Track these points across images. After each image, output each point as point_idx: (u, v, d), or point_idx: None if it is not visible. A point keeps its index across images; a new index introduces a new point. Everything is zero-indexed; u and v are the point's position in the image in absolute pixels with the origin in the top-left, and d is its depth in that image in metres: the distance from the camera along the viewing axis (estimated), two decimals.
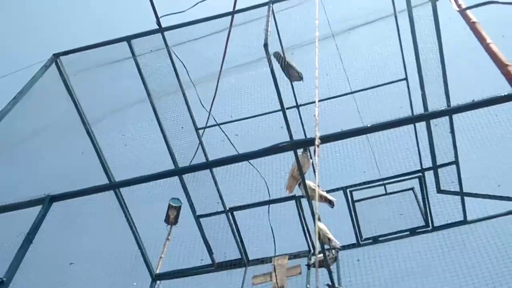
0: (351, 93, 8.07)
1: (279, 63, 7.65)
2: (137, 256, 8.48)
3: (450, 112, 6.19)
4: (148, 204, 9.25)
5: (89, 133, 7.23)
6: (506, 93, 3.77)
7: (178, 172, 6.90)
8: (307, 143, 4.07)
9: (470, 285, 7.18)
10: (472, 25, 4.18)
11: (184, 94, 7.68)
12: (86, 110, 7.06)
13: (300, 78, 7.86)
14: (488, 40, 3.89)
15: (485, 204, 8.06)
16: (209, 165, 6.71)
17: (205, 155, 8.22)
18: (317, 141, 3.64)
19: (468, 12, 4.54)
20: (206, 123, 7.93)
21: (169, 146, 7.61)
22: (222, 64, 6.98)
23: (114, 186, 7.17)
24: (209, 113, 7.66)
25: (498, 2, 4.46)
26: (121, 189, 7.65)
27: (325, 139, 3.91)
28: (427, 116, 6.38)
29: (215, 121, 7.58)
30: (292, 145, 4.68)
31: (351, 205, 8.39)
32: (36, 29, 13.36)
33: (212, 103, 7.38)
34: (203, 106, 7.37)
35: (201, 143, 8.21)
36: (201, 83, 7.21)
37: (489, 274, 7.33)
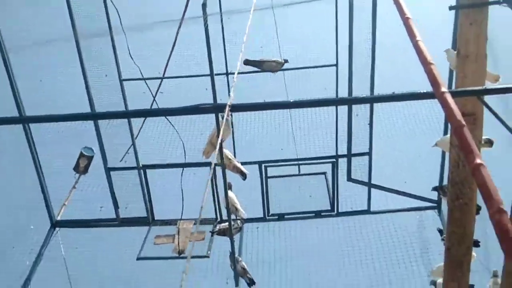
0: (282, 70, 8.10)
1: (253, 66, 8.01)
2: (40, 199, 8.19)
3: (371, 100, 6.35)
4: (59, 149, 8.96)
5: (4, 60, 6.76)
6: (424, 91, 3.89)
7: (93, 116, 6.62)
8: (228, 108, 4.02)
9: (361, 272, 7.52)
10: (405, 20, 4.24)
11: (112, 40, 7.39)
12: (6, 38, 6.60)
13: (281, 64, 8.04)
14: (418, 37, 3.95)
15: (391, 198, 8.40)
16: (127, 114, 6.50)
17: (126, 106, 7.99)
18: (228, 106, 3.60)
19: (405, 7, 4.61)
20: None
21: (88, 91, 7.29)
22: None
23: (24, 120, 6.79)
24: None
25: None
26: (32, 126, 7.28)
27: (244, 107, 3.88)
28: (349, 101, 6.50)
29: (141, 74, 7.36)
30: (212, 108, 4.64)
31: (264, 180, 8.49)
32: None
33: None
34: (131, 57, 7.13)
35: (123, 94, 7.97)
36: (132, 32, 6.96)
37: (385, 263, 7.71)
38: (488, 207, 2.33)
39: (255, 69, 8.09)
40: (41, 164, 7.78)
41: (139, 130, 8.17)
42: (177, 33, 6.07)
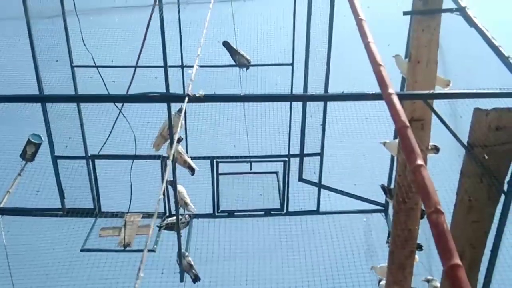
0: (236, 66, 8.06)
1: (228, 51, 8.02)
2: None
3: (322, 98, 6.39)
4: (5, 133, 8.68)
5: None
6: (373, 92, 3.91)
7: (42, 99, 6.37)
8: (178, 97, 3.95)
9: (307, 271, 7.55)
10: (358, 21, 4.26)
11: (65, 22, 7.16)
12: None
13: (248, 63, 8.09)
14: (369, 39, 3.97)
15: (340, 199, 8.47)
16: (75, 98, 6.30)
17: (76, 91, 7.77)
18: (188, 94, 3.53)
19: (359, 9, 4.63)
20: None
21: (37, 72, 7.02)
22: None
23: None
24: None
25: None
26: None
27: (197, 98, 3.81)
28: (302, 97, 6.51)
29: (94, 61, 7.16)
30: (162, 97, 4.55)
31: (215, 176, 8.43)
32: None
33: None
34: (84, 44, 6.93)
35: (74, 80, 7.76)
36: (83, 16, 6.76)
37: (329, 263, 7.76)
38: (425, 208, 2.34)
39: (210, 63, 8.07)
40: None
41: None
42: (149, 20, 5.87)
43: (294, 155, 8.62)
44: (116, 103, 6.36)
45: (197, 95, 3.83)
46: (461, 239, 4.55)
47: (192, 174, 7.69)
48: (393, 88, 3.24)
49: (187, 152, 8.19)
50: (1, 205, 8.00)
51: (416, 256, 5.94)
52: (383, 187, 7.61)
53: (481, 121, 4.22)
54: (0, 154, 8.48)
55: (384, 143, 6.83)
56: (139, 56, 7.03)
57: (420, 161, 2.53)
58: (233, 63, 8.05)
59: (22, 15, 6.39)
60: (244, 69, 8.19)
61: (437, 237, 2.18)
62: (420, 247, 6.42)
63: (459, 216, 4.58)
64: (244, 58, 8.10)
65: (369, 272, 7.39)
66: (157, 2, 5.09)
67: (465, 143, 4.34)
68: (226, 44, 8.07)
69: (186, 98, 3.62)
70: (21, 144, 7.65)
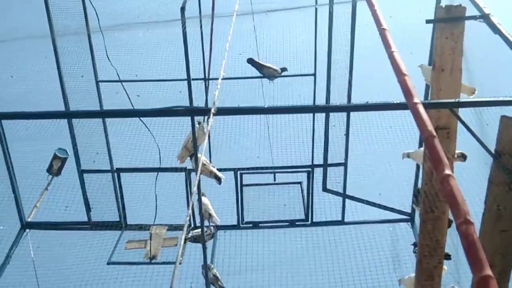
0: (260, 77, 8.10)
1: (254, 67, 8.19)
2: (10, 199, 8.01)
3: (345, 108, 6.36)
4: (33, 149, 8.81)
5: None
6: (398, 101, 3.89)
7: (68, 115, 6.49)
8: (203, 111, 3.99)
9: (333, 282, 7.49)
10: (381, 31, 4.25)
11: (89, 39, 7.28)
12: None
13: (277, 73, 8.20)
14: (393, 48, 3.96)
15: (365, 209, 8.41)
16: (102, 114, 6.40)
17: (101, 107, 7.89)
18: (213, 110, 3.56)
19: (382, 19, 4.62)
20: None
21: (63, 89, 7.14)
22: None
23: None
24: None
25: None
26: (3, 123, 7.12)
27: (221, 111, 3.84)
28: (326, 109, 6.50)
29: (118, 76, 7.27)
30: (186, 111, 4.59)
31: (239, 187, 8.44)
32: None
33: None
34: (108, 59, 7.04)
35: (99, 95, 7.87)
36: (109, 32, 6.87)
37: (357, 274, 7.69)
38: (454, 218, 2.32)
39: (234, 75, 8.12)
40: (13, 163, 7.63)
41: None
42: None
43: (318, 165, 8.58)
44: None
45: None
46: (490, 248, 4.48)
47: (219, 183, 7.71)
48: (418, 97, 3.23)
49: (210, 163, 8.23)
50: (29, 219, 8.14)
51: (445, 266, 5.87)
52: (415, 193, 7.50)
53: (509, 129, 4.17)
54: (27, 169, 8.60)
55: (408, 155, 6.76)
56: (209, 67, 7.15)
57: (448, 171, 2.50)
58: (257, 74, 8.11)
59: (48, 33, 6.53)
60: (272, 80, 8.26)
61: (467, 248, 2.15)
62: (448, 256, 6.33)
63: (487, 225, 4.52)
64: (271, 69, 8.19)
65: (396, 283, 7.31)
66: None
67: (493, 151, 4.29)
68: (250, 61, 8.18)
69: (211, 112, 3.65)
70: (48, 159, 7.79)
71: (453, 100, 4.34)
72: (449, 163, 3.39)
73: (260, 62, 8.23)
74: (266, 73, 8.18)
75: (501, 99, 4.07)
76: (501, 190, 4.37)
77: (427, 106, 3.80)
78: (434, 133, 2.80)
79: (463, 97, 5.24)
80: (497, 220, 4.46)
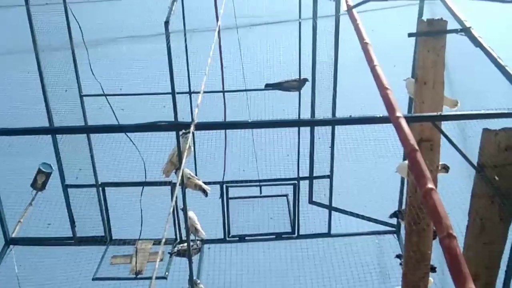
0: (245, 90, 8.13)
1: (274, 88, 8.37)
2: None
3: (330, 122, 6.40)
4: (17, 164, 8.74)
5: None
6: (381, 115, 3.92)
7: (52, 131, 6.44)
8: (187, 126, 4.00)
9: None
10: (364, 45, 4.30)
11: (73, 53, 7.26)
12: None
13: (301, 83, 8.25)
14: (375, 62, 4.00)
15: (351, 221, 8.42)
16: (86, 130, 6.37)
17: (85, 121, 7.85)
18: (192, 126, 3.55)
19: (364, 33, 4.67)
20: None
21: (47, 104, 7.10)
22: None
23: None
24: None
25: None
26: None
27: (203, 126, 3.83)
28: (310, 122, 6.53)
29: (103, 90, 7.24)
30: (171, 125, 4.58)
31: (225, 201, 8.42)
32: None
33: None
34: (92, 73, 7.02)
35: (83, 109, 7.83)
36: (93, 46, 6.85)
37: (342, 286, 7.68)
38: (437, 233, 2.33)
39: (218, 88, 8.13)
40: None
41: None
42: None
43: (304, 178, 8.60)
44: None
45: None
46: (474, 261, 4.51)
47: (206, 195, 7.70)
48: (401, 111, 3.26)
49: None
50: (13, 235, 8.04)
51: (430, 278, 5.89)
52: (393, 213, 7.54)
53: (490, 142, 4.21)
54: (11, 185, 8.51)
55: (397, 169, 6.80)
56: (222, 81, 7.14)
57: (430, 185, 2.52)
58: (240, 88, 8.14)
59: (31, 48, 6.50)
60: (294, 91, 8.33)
61: (450, 262, 2.17)
62: (433, 269, 6.35)
63: (471, 237, 4.55)
64: (290, 82, 8.25)
65: None
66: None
67: (475, 164, 4.33)
68: (268, 86, 8.32)
69: (192, 126, 3.64)
70: (31, 174, 7.71)
71: (435, 114, 4.38)
72: (432, 175, 3.41)
73: (276, 82, 8.34)
74: (288, 87, 8.26)
75: (482, 112, 4.12)
76: (484, 203, 4.40)
77: (409, 119, 3.84)
78: (417, 147, 2.82)
79: (446, 110, 5.29)
80: (480, 232, 4.49)
